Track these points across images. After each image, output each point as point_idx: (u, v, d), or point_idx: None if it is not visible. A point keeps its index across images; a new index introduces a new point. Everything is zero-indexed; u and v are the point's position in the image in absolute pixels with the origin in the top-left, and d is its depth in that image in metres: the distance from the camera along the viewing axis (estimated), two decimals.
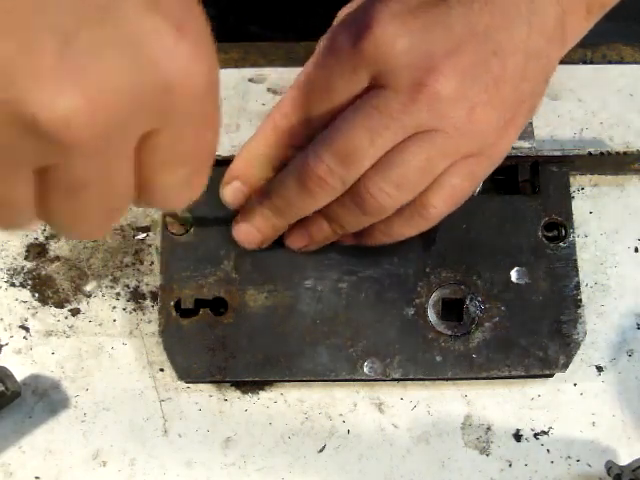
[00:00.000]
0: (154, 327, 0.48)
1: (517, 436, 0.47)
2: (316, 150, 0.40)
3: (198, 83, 0.25)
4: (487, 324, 0.46)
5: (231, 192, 0.45)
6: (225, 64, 0.56)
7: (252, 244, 0.45)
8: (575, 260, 0.47)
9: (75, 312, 0.49)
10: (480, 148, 0.40)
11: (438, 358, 0.45)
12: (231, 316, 0.46)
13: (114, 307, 0.49)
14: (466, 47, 0.38)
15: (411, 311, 0.46)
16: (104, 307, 0.49)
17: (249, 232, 0.45)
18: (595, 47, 0.56)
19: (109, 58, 0.21)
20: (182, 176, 0.28)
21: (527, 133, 0.48)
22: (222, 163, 0.47)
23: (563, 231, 0.47)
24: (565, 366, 0.45)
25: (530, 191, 0.49)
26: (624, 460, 0.45)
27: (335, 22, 0.44)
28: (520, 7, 0.39)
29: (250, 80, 0.55)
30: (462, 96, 0.38)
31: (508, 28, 0.38)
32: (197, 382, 0.47)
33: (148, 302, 0.49)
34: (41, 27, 0.19)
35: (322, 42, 0.41)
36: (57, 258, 0.50)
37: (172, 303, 0.46)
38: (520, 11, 0.39)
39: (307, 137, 0.41)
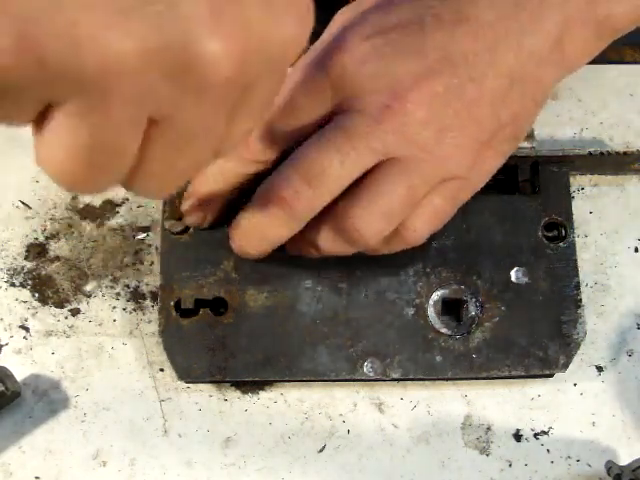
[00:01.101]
0: (154, 327, 0.48)
1: (517, 436, 0.47)
2: (281, 173, 0.39)
3: (293, 47, 0.27)
4: (487, 324, 0.46)
5: (191, 212, 0.44)
6: None
7: (245, 255, 0.44)
8: (575, 260, 0.47)
9: (75, 312, 0.49)
10: (457, 171, 0.39)
11: (438, 358, 0.45)
12: (231, 316, 0.46)
13: (114, 307, 0.49)
14: (439, 73, 0.37)
15: (411, 311, 0.46)
16: (104, 307, 0.49)
17: (238, 246, 0.44)
18: None
19: (254, 11, 0.24)
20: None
21: (527, 133, 0.48)
22: None
23: (563, 231, 0.47)
24: (565, 366, 0.45)
25: (530, 191, 0.49)
26: (624, 460, 0.45)
27: (330, 25, 0.43)
28: (510, 29, 0.38)
29: None
30: (430, 120, 0.37)
31: (492, 52, 0.37)
32: (197, 382, 0.47)
33: (148, 302, 0.49)
34: None
35: (297, 61, 0.40)
36: (57, 258, 0.50)
37: (172, 303, 0.46)
38: (510, 34, 0.38)
39: (269, 154, 0.41)
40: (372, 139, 0.37)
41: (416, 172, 0.38)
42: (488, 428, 0.47)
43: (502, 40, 0.38)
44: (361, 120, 0.37)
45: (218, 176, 0.42)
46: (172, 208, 0.46)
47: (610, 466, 0.43)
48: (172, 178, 0.28)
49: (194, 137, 0.26)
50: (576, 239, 0.48)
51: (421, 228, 0.41)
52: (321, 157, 0.38)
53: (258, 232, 0.41)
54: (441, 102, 0.37)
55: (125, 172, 0.26)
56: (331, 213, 0.40)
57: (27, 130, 0.26)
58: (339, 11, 0.43)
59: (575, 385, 0.48)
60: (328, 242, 0.41)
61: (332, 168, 0.38)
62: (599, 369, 0.48)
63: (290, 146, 0.41)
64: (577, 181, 0.52)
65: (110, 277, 0.50)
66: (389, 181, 0.38)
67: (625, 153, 0.50)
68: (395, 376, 0.45)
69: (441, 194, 0.40)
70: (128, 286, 0.49)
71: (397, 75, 0.37)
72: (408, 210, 0.39)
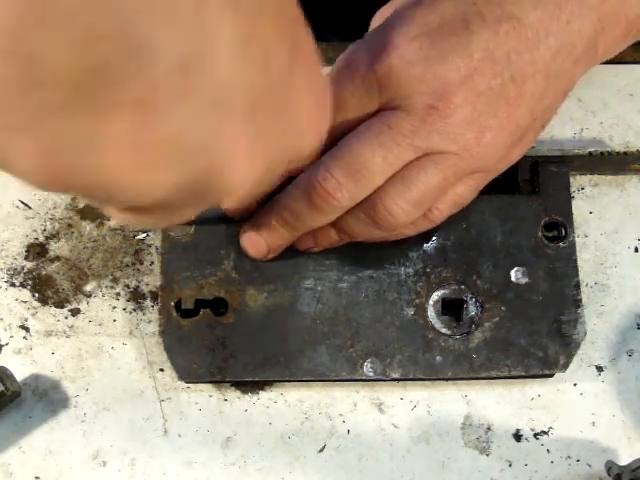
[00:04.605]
0: (154, 327, 0.48)
1: (517, 436, 0.47)
2: (325, 164, 0.40)
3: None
4: (487, 324, 0.46)
5: (230, 211, 0.45)
6: None
7: (259, 254, 0.45)
8: (575, 260, 0.47)
9: (75, 312, 0.49)
10: (487, 167, 0.41)
11: (438, 358, 0.45)
12: (231, 316, 0.46)
13: (114, 307, 0.49)
14: (482, 73, 0.38)
15: (411, 311, 0.46)
16: (104, 307, 0.49)
17: (256, 242, 0.44)
18: None
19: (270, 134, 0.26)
20: None
21: None
22: None
23: (563, 231, 0.47)
24: (565, 366, 0.45)
25: (530, 191, 0.49)
26: (624, 460, 0.45)
27: (371, 27, 0.44)
28: (551, 30, 0.38)
29: None
30: (473, 121, 0.38)
31: (532, 51, 0.38)
32: (197, 382, 0.47)
33: (148, 302, 0.49)
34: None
35: (341, 56, 0.41)
36: (57, 258, 0.50)
37: (172, 303, 0.46)
38: (550, 35, 0.38)
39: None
40: (416, 138, 0.38)
41: (452, 167, 0.39)
42: (488, 428, 0.47)
43: (543, 40, 0.38)
44: (406, 119, 0.38)
45: None
46: None
47: (610, 466, 0.43)
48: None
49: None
50: (576, 239, 0.48)
51: (443, 209, 0.42)
52: (365, 151, 0.39)
53: (295, 220, 0.42)
54: (484, 102, 0.38)
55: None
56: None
57: None
58: (378, 11, 0.45)
59: (575, 385, 0.48)
60: (356, 224, 0.42)
61: (375, 162, 0.39)
62: (599, 369, 0.48)
63: (332, 143, 0.41)
64: (577, 181, 0.52)
65: (110, 277, 0.50)
66: (425, 173, 0.39)
67: (625, 153, 0.50)
68: (395, 376, 0.45)
69: (467, 183, 0.41)
70: (128, 286, 0.49)
71: (443, 76, 0.38)
72: (437, 198, 0.41)
